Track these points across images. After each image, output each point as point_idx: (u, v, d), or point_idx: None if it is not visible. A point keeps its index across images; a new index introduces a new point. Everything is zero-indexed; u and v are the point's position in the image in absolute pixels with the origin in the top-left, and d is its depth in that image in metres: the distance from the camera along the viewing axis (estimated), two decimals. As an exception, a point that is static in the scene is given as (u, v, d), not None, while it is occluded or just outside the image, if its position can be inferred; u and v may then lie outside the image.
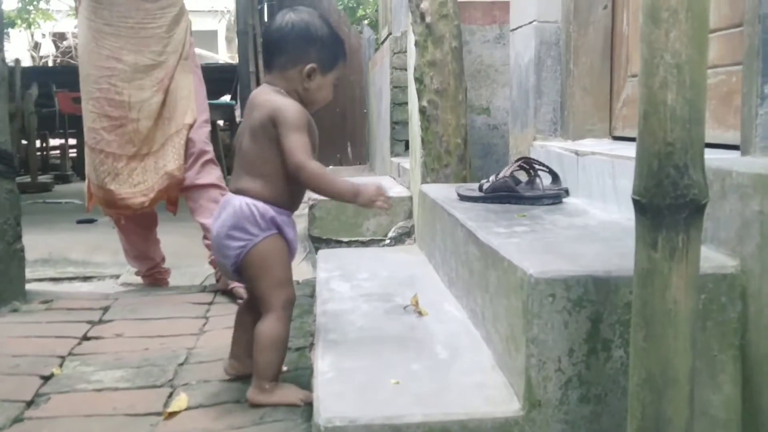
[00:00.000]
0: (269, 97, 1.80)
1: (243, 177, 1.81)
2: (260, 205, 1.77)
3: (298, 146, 1.73)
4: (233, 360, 1.95)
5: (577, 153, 2.29)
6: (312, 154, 1.77)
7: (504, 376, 1.52)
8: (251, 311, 1.86)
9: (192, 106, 2.90)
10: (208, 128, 3.02)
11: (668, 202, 1.00)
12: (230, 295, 2.78)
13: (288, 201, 1.82)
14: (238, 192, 1.81)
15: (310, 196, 3.90)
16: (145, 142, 2.89)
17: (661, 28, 0.98)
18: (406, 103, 4.04)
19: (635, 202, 1.04)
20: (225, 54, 18.07)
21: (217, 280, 2.92)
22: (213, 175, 2.93)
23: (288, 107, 1.76)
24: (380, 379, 1.54)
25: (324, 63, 1.81)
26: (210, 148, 2.96)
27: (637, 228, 1.05)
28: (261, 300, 1.80)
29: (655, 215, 1.01)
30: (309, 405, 1.69)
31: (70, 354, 2.23)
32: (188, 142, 2.88)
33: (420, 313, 1.98)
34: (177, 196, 2.96)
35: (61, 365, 2.13)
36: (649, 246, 1.02)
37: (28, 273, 2.91)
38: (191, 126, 2.88)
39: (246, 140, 1.81)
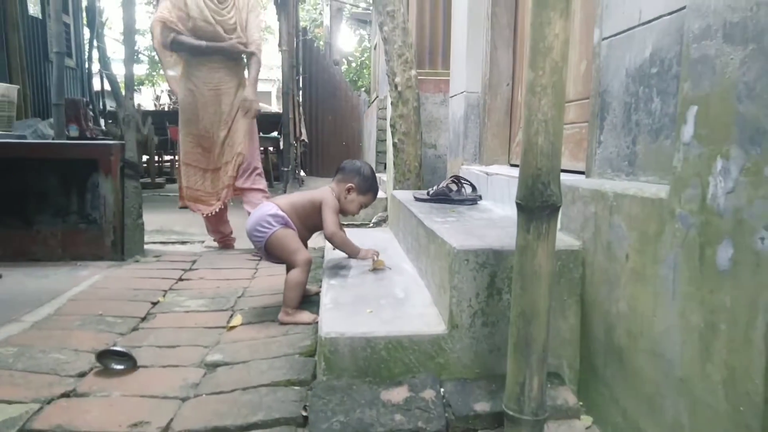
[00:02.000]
0: (325, 192, 1.92)
1: (287, 206, 1.86)
2: (281, 213, 1.82)
3: (333, 221, 1.87)
4: None
5: (487, 174, 2.28)
6: (338, 225, 1.91)
7: (437, 310, 1.51)
8: None
9: (244, 141, 2.85)
10: (258, 152, 2.99)
11: (537, 204, 0.99)
12: (263, 257, 2.76)
13: (299, 234, 1.86)
14: (275, 204, 1.86)
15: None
16: (219, 160, 2.88)
17: (536, 96, 0.97)
18: (385, 140, 4.02)
19: (518, 205, 1.03)
20: (276, 106, 17.93)
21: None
22: (261, 183, 2.92)
23: (331, 199, 1.90)
24: (360, 309, 1.52)
25: (360, 187, 1.93)
26: (260, 164, 2.93)
27: (518, 220, 1.04)
28: (289, 264, 1.80)
29: (529, 212, 1.00)
30: (317, 324, 1.68)
31: (170, 289, 2.20)
32: (245, 162, 2.85)
33: (381, 269, 1.94)
34: (232, 195, 2.92)
35: (164, 295, 2.11)
36: (525, 231, 1.01)
37: (147, 238, 2.87)
38: (242, 154, 2.84)
39: (305, 199, 1.90)
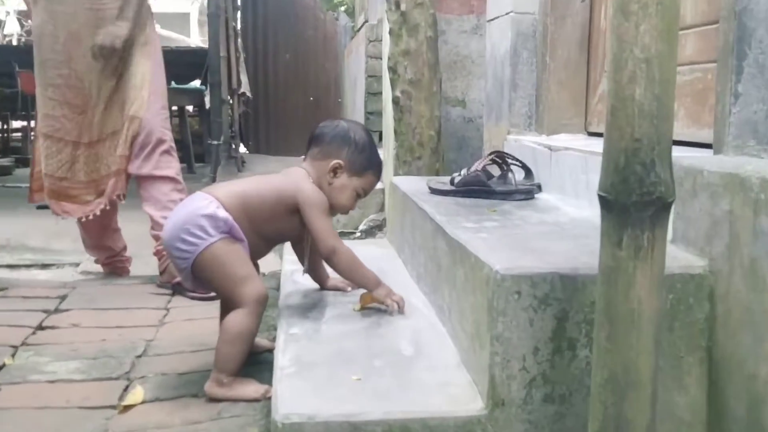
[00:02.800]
0: (299, 178, 1.95)
1: (232, 201, 1.86)
2: (224, 213, 1.82)
3: (329, 230, 1.90)
4: None
5: (550, 148, 2.30)
6: (337, 235, 1.94)
7: (468, 375, 1.52)
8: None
9: (143, 95, 2.87)
10: (166, 115, 3.00)
11: (634, 200, 1.00)
12: (178, 288, 2.77)
13: (251, 249, 1.87)
14: (214, 196, 1.86)
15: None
16: (102, 129, 2.90)
17: (631, 21, 0.98)
18: (381, 93, 4.04)
19: (601, 199, 1.05)
20: (197, 38, 17.92)
21: (161, 272, 2.90)
22: (171, 167, 2.92)
23: (314, 192, 1.92)
24: (341, 374, 1.54)
25: (353, 164, 1.96)
26: (168, 136, 2.94)
27: (602, 225, 1.06)
28: (230, 301, 1.83)
29: (620, 212, 1.02)
30: (269, 400, 1.69)
31: (23, 344, 2.21)
32: (145, 130, 2.85)
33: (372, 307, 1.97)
34: (124, 186, 2.93)
35: (13, 355, 2.12)
36: (614, 244, 1.03)
37: (-18, 259, 2.89)
38: (139, 118, 2.85)
39: (266, 190, 1.92)
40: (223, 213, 1.82)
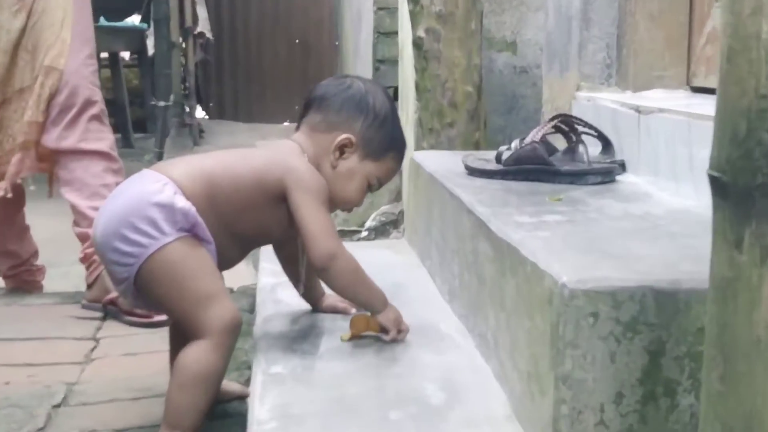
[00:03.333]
0: (290, 154, 1.97)
1: (195, 182, 1.87)
2: (183, 203, 1.82)
3: (326, 227, 1.90)
4: None
5: (638, 110, 2.31)
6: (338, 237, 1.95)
7: (523, 430, 1.53)
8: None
9: (63, 37, 2.89)
10: (94, 67, 3.04)
11: (760, 182, 1.00)
12: (112, 310, 2.79)
13: (219, 254, 1.89)
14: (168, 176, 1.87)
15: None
16: (5, 85, 2.92)
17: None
18: (396, 33, 4.04)
19: (713, 181, 1.04)
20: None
21: (89, 286, 2.91)
22: (103, 138, 2.95)
23: (311, 174, 1.93)
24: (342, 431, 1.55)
25: (369, 142, 2.00)
26: (98, 97, 2.98)
27: (715, 218, 1.05)
28: (187, 328, 1.84)
29: (740, 200, 1.01)
30: None
31: None
32: (67, 87, 2.87)
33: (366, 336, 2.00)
34: (33, 165, 2.95)
35: None
36: (731, 245, 1.02)
37: None
38: (58, 69, 2.87)
39: (241, 169, 1.94)
40: (182, 202, 1.82)
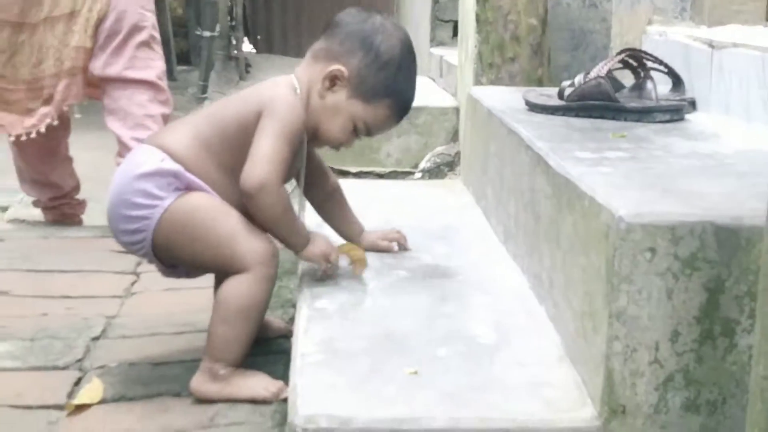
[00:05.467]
0: (279, 86, 1.99)
1: (188, 143, 1.93)
2: (171, 165, 1.89)
3: (269, 155, 1.87)
4: None
5: (712, 45, 2.31)
6: (283, 165, 1.90)
7: (574, 371, 1.57)
8: None
9: None
10: None
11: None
12: None
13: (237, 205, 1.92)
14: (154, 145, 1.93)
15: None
16: (54, 5, 2.95)
17: None
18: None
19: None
20: None
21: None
22: (150, 67, 2.98)
23: (285, 100, 1.93)
24: (389, 366, 1.59)
25: (361, 81, 1.98)
26: (148, 22, 3.02)
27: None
28: (224, 269, 1.88)
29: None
30: (284, 401, 1.76)
31: (-69, 317, 2.31)
32: (114, 12, 2.91)
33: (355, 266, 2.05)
34: (80, 93, 3.01)
35: None
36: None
37: None
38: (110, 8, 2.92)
39: (235, 112, 1.98)
40: (170, 164, 1.88)
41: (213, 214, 1.88)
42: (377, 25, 2.03)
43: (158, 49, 3.03)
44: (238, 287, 1.84)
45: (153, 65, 2.98)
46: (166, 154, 1.89)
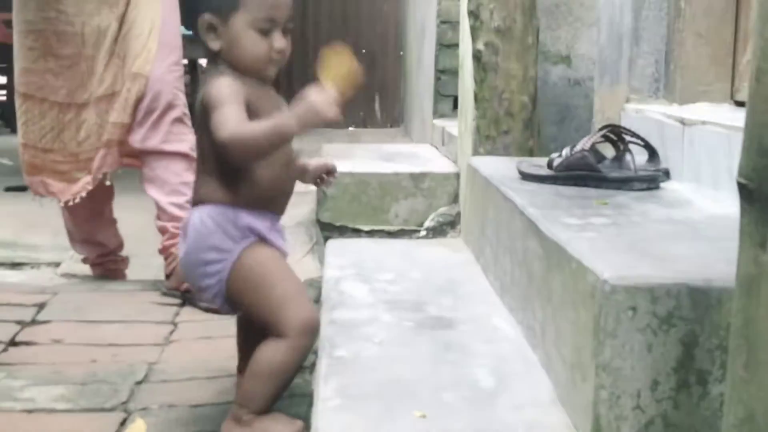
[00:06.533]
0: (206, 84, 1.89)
1: (200, 182, 1.94)
2: (229, 211, 1.87)
3: (223, 120, 1.78)
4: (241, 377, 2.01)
5: (683, 122, 2.33)
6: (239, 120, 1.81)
7: (566, 415, 1.57)
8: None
9: (149, 47, 2.96)
10: (179, 73, 3.11)
11: (785, 188, 1.03)
12: (188, 297, 2.85)
13: (264, 197, 1.91)
14: (197, 204, 1.93)
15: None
16: (98, 87, 2.99)
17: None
18: (457, 45, 4.07)
19: (740, 187, 1.07)
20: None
21: (168, 276, 2.99)
22: (183, 140, 3.00)
23: (211, 84, 1.85)
24: (401, 410, 1.60)
25: (218, 9, 1.88)
26: (181, 101, 3.04)
27: (741, 221, 1.08)
28: (269, 327, 1.86)
29: (765, 205, 1.04)
30: None
31: (-8, 363, 2.32)
32: (151, 92, 2.95)
33: None
34: (115, 162, 3.03)
35: (-19, 377, 2.22)
36: (756, 245, 1.05)
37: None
38: (145, 76, 2.95)
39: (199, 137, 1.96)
40: (209, 222, 1.87)
41: (275, 274, 1.88)
42: None
43: (189, 123, 3.05)
44: (275, 352, 1.82)
45: (186, 138, 3.00)
46: (211, 204, 1.88)
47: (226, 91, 1.82)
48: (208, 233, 1.86)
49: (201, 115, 1.87)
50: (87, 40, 2.98)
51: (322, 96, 1.78)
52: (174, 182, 2.97)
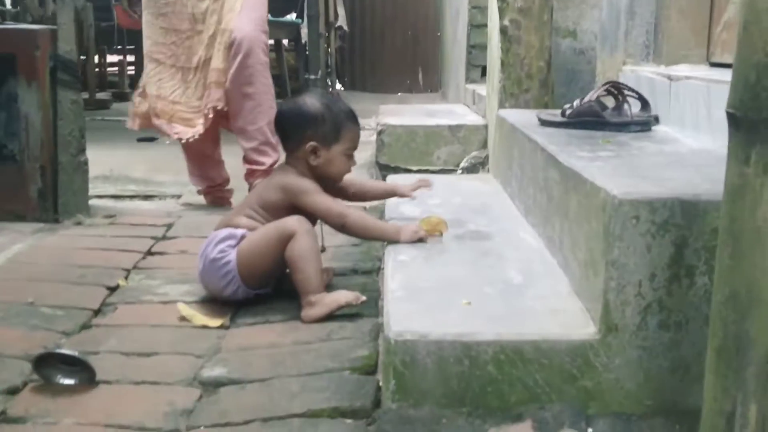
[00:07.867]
0: (287, 176, 2.09)
1: (240, 216, 2.08)
2: (235, 231, 2.04)
3: (328, 203, 2.05)
4: None
5: (669, 78, 2.29)
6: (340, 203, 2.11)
7: (580, 302, 1.58)
8: None
9: (236, 8, 3.02)
10: (262, 28, 3.13)
11: (764, 116, 1.02)
12: None
13: None
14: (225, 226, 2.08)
15: (378, 121, 3.96)
16: (205, 51, 3.08)
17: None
18: (485, 25, 4.03)
19: (729, 116, 1.07)
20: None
21: None
22: (259, 83, 3.08)
23: (296, 180, 2.06)
24: (451, 299, 1.62)
25: (325, 139, 2.07)
26: (261, 50, 3.08)
27: (729, 143, 1.08)
28: (285, 244, 1.95)
29: (749, 130, 1.03)
30: (361, 305, 1.89)
31: (135, 267, 2.37)
32: (236, 41, 2.99)
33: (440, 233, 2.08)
34: (222, 97, 3.07)
35: (126, 277, 2.27)
36: (741, 162, 1.05)
37: (89, 189, 3.05)
38: (230, 30, 3.01)
39: (265, 194, 2.10)
40: (234, 232, 2.03)
41: (259, 232, 2.01)
42: (294, 105, 2.13)
43: (265, 71, 3.12)
44: (294, 245, 1.93)
45: (262, 82, 3.09)
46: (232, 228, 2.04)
47: (315, 187, 2.06)
48: (221, 239, 2.03)
49: (278, 195, 2.05)
50: (197, 18, 3.07)
51: (416, 228, 2.04)
52: (250, 130, 3.08)
